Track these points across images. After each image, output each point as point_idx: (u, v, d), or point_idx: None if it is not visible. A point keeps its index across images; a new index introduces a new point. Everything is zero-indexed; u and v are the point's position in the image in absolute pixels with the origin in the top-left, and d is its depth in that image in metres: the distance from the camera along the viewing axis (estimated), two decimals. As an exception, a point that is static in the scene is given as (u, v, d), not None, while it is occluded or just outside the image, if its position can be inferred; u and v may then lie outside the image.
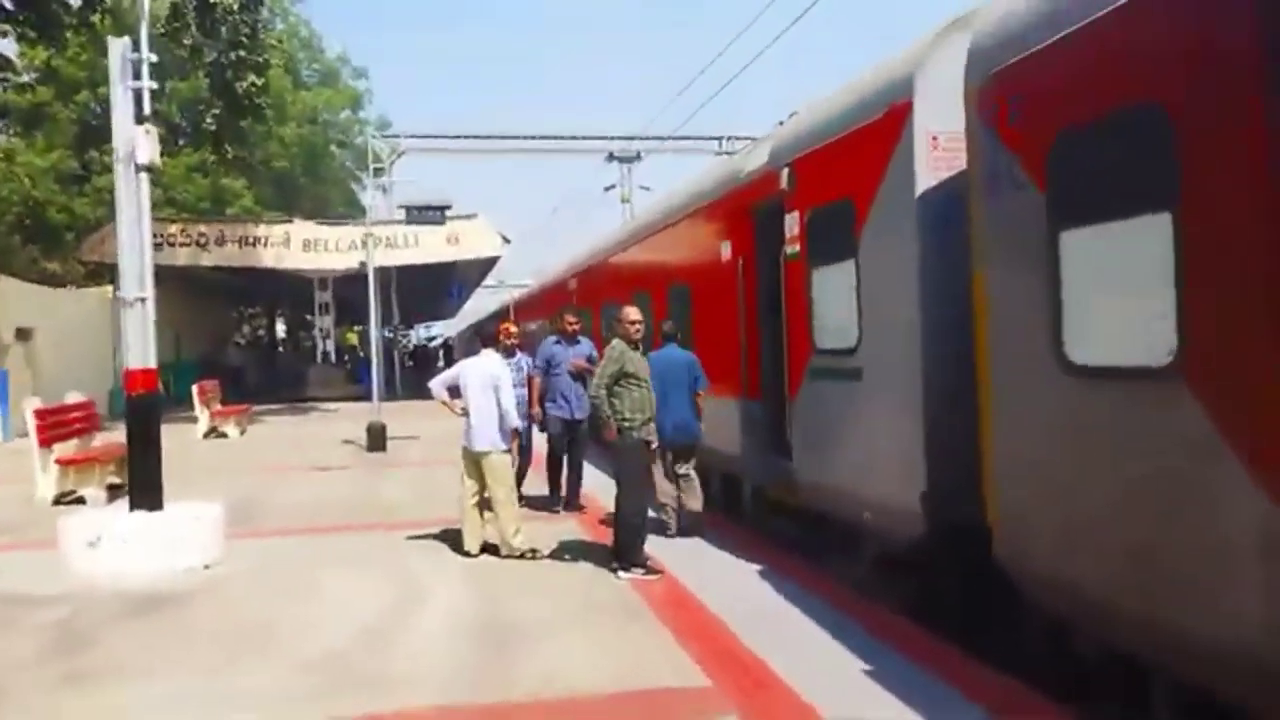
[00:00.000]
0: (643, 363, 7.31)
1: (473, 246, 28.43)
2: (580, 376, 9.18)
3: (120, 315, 8.06)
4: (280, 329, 52.72)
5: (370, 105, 49.24)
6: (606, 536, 7.59)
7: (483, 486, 7.65)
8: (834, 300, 6.86)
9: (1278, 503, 3.13)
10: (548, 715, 4.48)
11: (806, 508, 7.47)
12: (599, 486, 9.58)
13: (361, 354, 39.31)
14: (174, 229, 26.69)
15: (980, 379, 4.94)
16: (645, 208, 18.85)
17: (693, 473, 8.25)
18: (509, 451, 7.70)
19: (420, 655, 5.34)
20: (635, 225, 14.94)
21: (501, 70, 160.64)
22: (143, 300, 7.88)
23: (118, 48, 7.87)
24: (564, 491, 9.55)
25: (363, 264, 19.25)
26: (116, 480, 10.96)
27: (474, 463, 7.66)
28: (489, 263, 32.17)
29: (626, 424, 7.09)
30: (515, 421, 7.74)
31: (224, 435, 18.86)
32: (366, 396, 19.16)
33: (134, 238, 7.87)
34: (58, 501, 10.56)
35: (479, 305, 52.46)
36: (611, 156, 32.35)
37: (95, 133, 29.28)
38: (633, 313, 7.41)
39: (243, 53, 20.95)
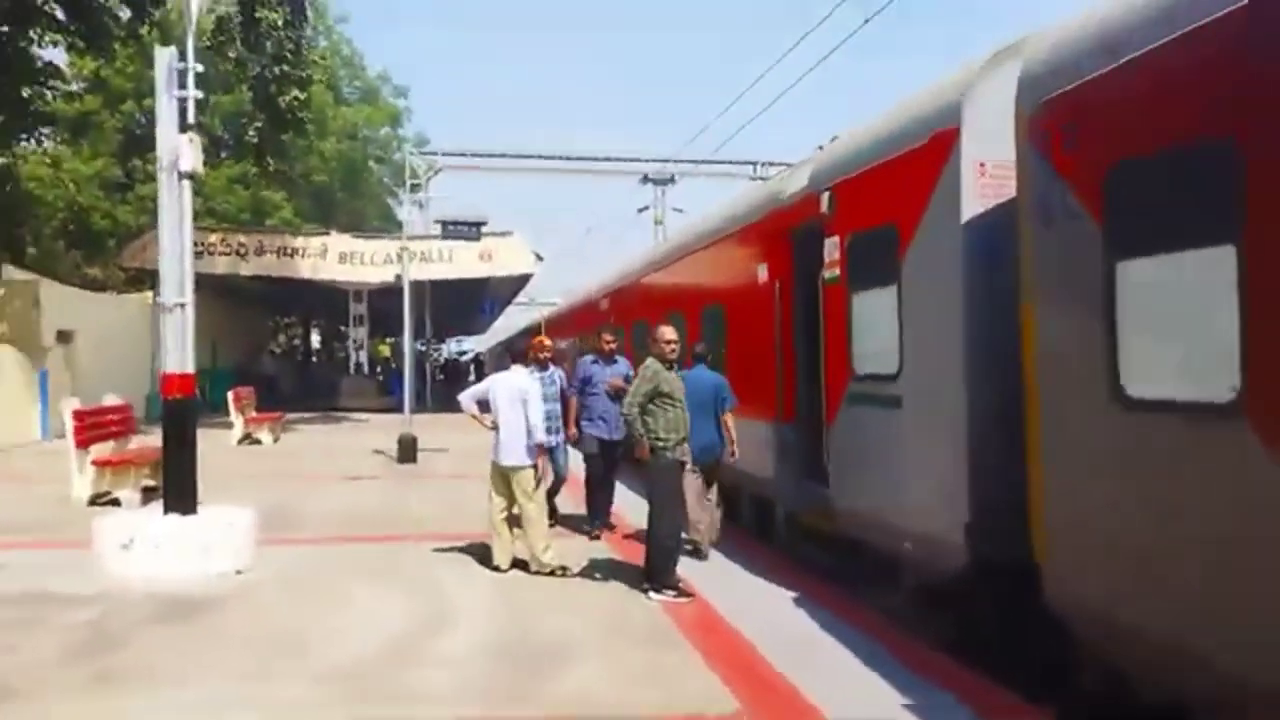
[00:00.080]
0: (678, 382, 7.25)
1: (506, 263, 28.54)
2: (617, 396, 9.14)
3: (160, 320, 8.15)
4: (315, 339, 53.36)
5: (409, 123, 49.85)
6: (637, 555, 7.53)
7: (512, 501, 7.63)
8: (874, 326, 6.78)
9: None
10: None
11: (842, 534, 7.37)
12: (628, 505, 9.53)
13: (394, 366, 39.71)
14: (214, 238, 27.03)
15: (1028, 412, 4.85)
16: (679, 229, 18.82)
17: (715, 495, 8.21)
18: (536, 466, 7.68)
19: (448, 668, 5.31)
20: (670, 245, 14.91)
21: (538, 94, 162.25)
22: (182, 306, 7.96)
23: (164, 56, 7.98)
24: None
25: (397, 277, 19.36)
26: (151, 483, 11.04)
27: (503, 477, 7.64)
28: (521, 280, 32.28)
29: (660, 444, 7.03)
30: (541, 437, 7.69)
31: (258, 442, 19.04)
32: (398, 408, 19.27)
33: (175, 244, 7.95)
34: (93, 502, 10.69)
35: (510, 322, 52.71)
36: (646, 179, 32.45)
37: (139, 142, 29.90)
38: (668, 332, 7.35)
39: (286, 67, 21.26)
